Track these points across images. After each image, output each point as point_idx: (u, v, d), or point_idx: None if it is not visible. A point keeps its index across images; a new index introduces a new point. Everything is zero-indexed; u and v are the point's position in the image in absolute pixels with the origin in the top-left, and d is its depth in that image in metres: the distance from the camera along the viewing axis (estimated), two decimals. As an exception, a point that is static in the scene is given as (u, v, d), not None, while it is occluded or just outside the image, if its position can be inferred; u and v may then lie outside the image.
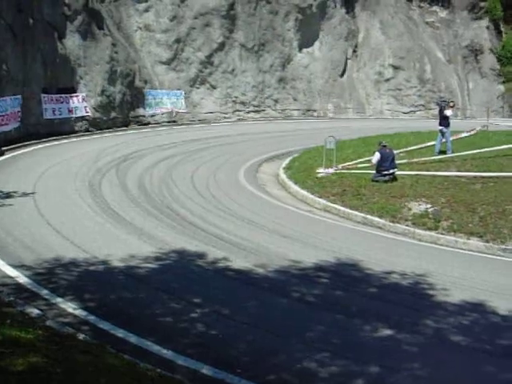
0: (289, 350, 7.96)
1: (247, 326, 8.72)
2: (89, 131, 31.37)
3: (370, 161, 19.84)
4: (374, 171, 18.86)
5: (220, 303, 9.46)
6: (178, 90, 37.93)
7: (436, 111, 29.24)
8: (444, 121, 23.00)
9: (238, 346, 8.06)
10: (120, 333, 8.24)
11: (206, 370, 7.32)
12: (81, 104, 31.05)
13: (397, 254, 12.79)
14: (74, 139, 29.40)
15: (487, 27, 49.31)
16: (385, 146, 19.10)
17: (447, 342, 8.46)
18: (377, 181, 18.41)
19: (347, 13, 45.87)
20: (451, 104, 24.61)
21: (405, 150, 23.45)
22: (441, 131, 23.02)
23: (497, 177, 18.12)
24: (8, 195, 16.58)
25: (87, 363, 6.36)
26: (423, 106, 45.92)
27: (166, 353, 7.71)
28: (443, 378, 7.48)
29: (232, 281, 10.73)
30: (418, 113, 45.87)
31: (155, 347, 7.85)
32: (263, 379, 7.19)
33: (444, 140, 23.04)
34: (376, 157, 18.84)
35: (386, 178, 18.48)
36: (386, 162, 18.62)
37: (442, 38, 48.45)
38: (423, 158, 21.59)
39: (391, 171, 18.63)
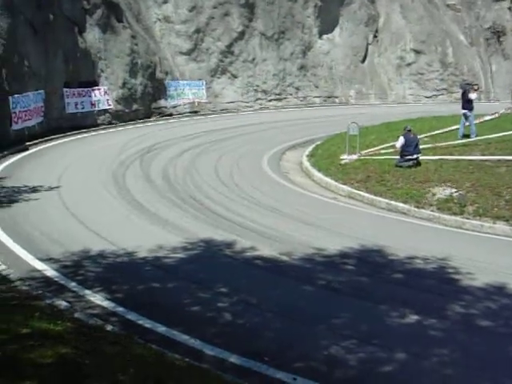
0: (315, 338, 7.97)
1: (274, 314, 8.73)
2: (111, 124, 31.57)
3: (393, 146, 19.75)
4: (397, 157, 18.77)
5: (246, 292, 9.49)
6: (199, 80, 38.00)
7: (459, 95, 29.00)
8: (467, 104, 22.81)
9: (265, 335, 8.08)
10: (148, 323, 8.30)
11: (233, 359, 7.36)
12: (103, 97, 31.23)
13: (422, 240, 12.72)
14: (97, 132, 29.62)
15: (509, 8, 48.71)
16: (409, 131, 18.98)
17: (474, 326, 8.41)
18: (400, 166, 18.31)
19: (367, -2, 45.60)
20: (475, 87, 24.39)
21: (428, 134, 23.30)
22: (464, 115, 22.83)
23: (522, 159, 17.94)
24: (34, 189, 16.75)
25: (115, 354, 6.43)
26: (446, 89, 45.54)
27: (193, 342, 7.76)
28: (471, 364, 7.44)
29: (258, 269, 10.74)
30: (440, 97, 45.50)
31: (183, 337, 7.91)
32: (291, 367, 7.20)
33: (467, 124, 22.86)
34: (400, 141, 18.75)
35: (410, 163, 18.36)
36: (410, 146, 18.51)
37: (463, 21, 47.95)
38: (447, 143, 21.44)
39: (415, 156, 18.51)
